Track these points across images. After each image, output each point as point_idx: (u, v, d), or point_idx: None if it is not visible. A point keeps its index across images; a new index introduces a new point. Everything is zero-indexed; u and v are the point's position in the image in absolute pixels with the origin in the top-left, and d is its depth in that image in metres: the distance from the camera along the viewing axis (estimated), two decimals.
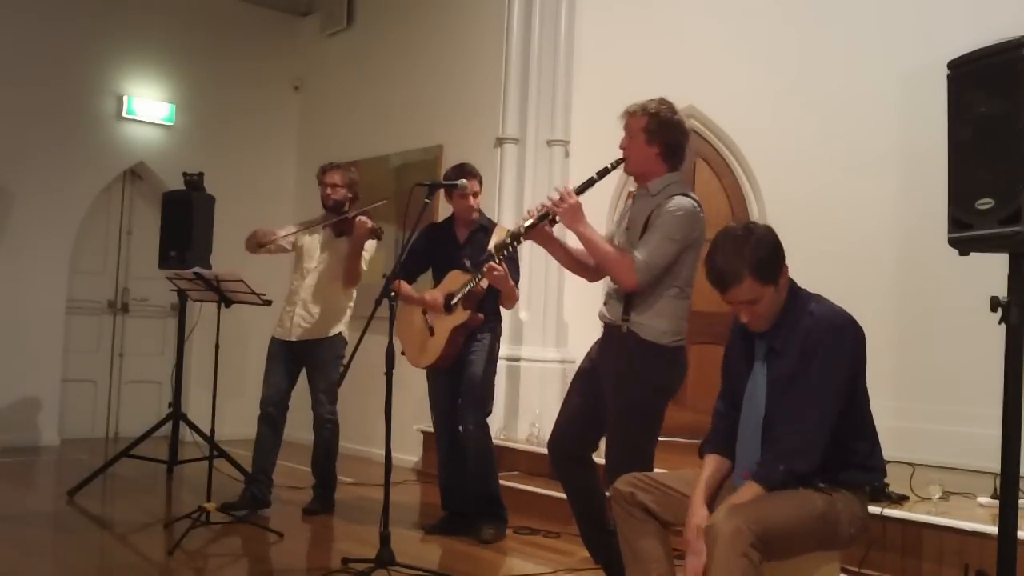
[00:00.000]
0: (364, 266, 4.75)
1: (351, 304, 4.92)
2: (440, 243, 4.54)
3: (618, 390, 3.18)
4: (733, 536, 2.24)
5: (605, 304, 3.32)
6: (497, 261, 3.80)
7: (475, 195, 4.44)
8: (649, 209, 3.15)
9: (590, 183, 3.25)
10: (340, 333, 4.87)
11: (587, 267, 3.41)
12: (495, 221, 4.68)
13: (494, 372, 4.50)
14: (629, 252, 3.12)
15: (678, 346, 3.20)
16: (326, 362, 4.80)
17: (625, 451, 3.14)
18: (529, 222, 3.17)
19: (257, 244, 4.81)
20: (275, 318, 4.93)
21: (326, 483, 4.90)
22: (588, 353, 3.44)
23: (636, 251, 3.08)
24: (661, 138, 3.17)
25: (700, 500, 2.51)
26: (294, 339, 4.78)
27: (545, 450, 5.44)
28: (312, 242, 4.87)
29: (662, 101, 3.22)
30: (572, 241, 3.34)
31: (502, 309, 4.53)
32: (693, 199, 3.18)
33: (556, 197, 3.15)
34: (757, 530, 2.25)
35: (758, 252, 2.44)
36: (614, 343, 3.23)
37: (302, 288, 4.81)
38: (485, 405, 4.43)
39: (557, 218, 3.17)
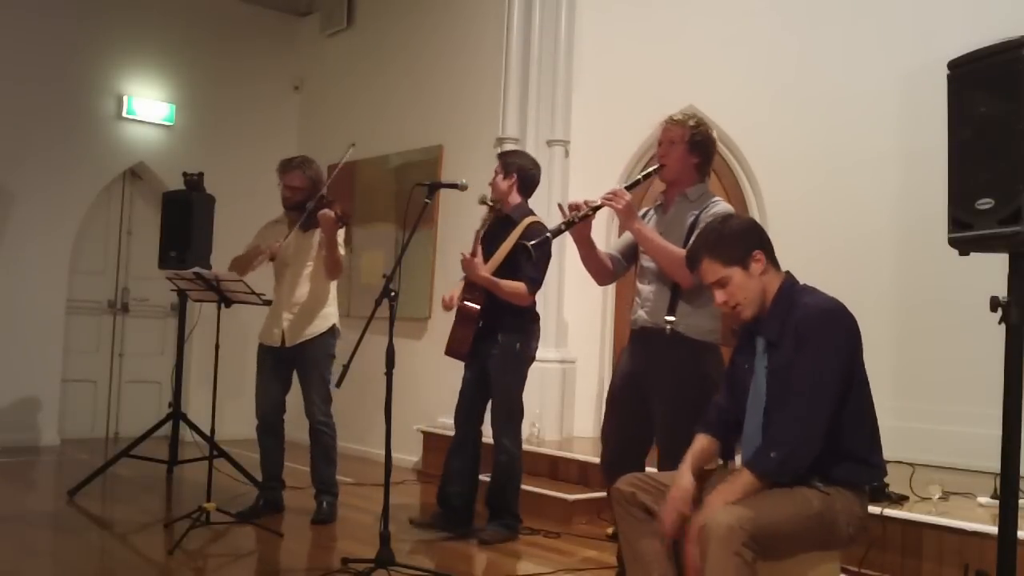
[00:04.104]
0: (342, 250, 4.57)
1: (334, 295, 4.77)
2: (493, 229, 4.48)
3: (678, 390, 3.24)
4: (726, 534, 2.24)
5: (642, 308, 3.40)
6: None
7: (493, 176, 4.42)
8: (691, 213, 3.33)
9: (637, 184, 3.45)
10: (332, 326, 4.73)
11: (606, 271, 3.54)
12: (535, 216, 4.45)
13: (521, 377, 4.39)
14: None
15: (719, 342, 3.37)
16: (317, 361, 4.66)
17: (682, 446, 3.16)
18: (583, 212, 3.26)
19: (250, 268, 4.68)
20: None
21: (330, 490, 4.76)
22: (620, 372, 3.50)
23: None
24: (701, 150, 3.40)
25: (687, 467, 2.57)
26: (284, 345, 4.66)
27: (545, 450, 5.51)
28: (284, 245, 4.69)
29: (699, 118, 3.46)
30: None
31: (538, 308, 4.45)
32: (730, 206, 3.38)
33: (607, 194, 3.29)
34: (751, 529, 2.25)
35: (719, 235, 2.62)
36: (662, 346, 3.29)
37: (283, 292, 4.68)
38: (514, 417, 4.36)
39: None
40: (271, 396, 4.72)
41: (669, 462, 3.17)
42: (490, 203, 4.35)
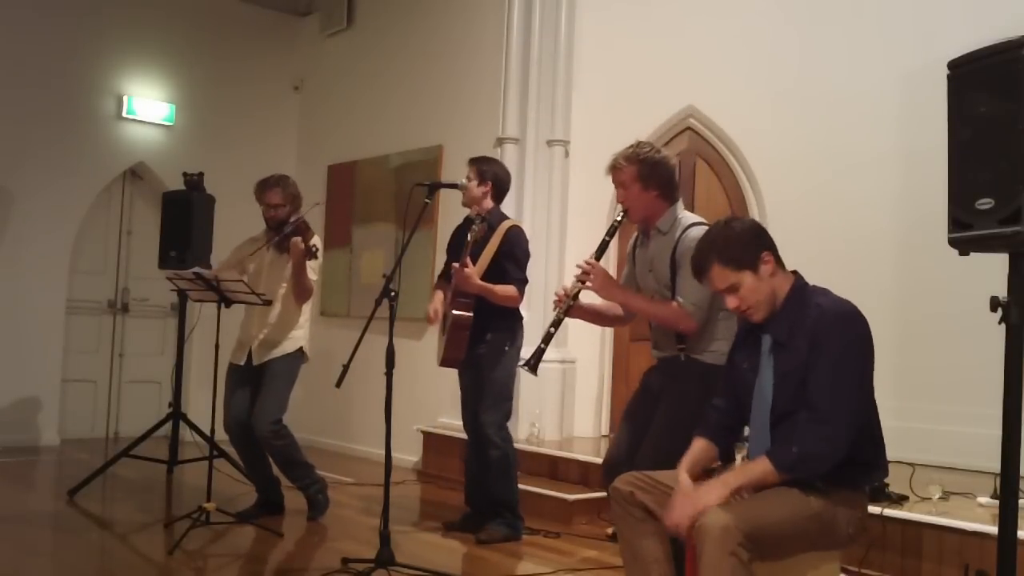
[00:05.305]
0: (314, 276, 4.60)
1: (305, 319, 4.75)
2: (460, 237, 4.52)
3: (681, 402, 3.19)
4: (722, 534, 2.24)
5: (655, 345, 3.38)
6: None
7: (466, 189, 4.41)
8: (669, 247, 3.25)
9: (604, 246, 3.36)
10: (300, 349, 4.71)
11: (620, 317, 3.52)
12: (511, 219, 4.53)
13: (510, 373, 4.42)
14: (672, 299, 3.20)
15: None
16: (276, 375, 4.61)
17: (666, 454, 3.04)
18: (566, 305, 3.25)
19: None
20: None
21: (309, 485, 4.72)
22: (641, 382, 3.46)
23: (680, 296, 3.16)
24: (655, 180, 3.28)
25: (683, 469, 2.58)
26: (251, 364, 4.63)
27: (545, 450, 5.51)
28: (258, 264, 4.72)
29: (640, 144, 3.35)
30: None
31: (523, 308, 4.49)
32: (705, 225, 3.24)
33: (579, 273, 3.25)
34: (746, 528, 2.25)
35: (725, 239, 2.56)
36: (677, 371, 3.26)
37: (255, 312, 4.65)
38: (499, 408, 4.39)
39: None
40: (237, 408, 4.63)
41: (644, 460, 3.12)
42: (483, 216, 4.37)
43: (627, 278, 3.49)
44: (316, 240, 4.53)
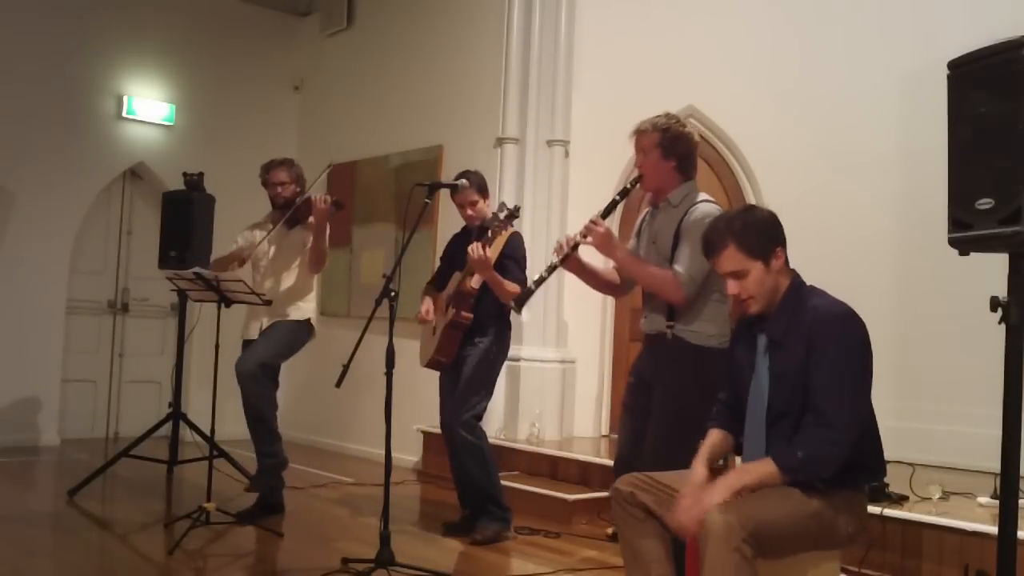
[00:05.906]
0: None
1: (314, 294, 4.80)
2: (459, 247, 4.54)
3: (672, 396, 3.18)
4: (726, 531, 2.24)
5: (645, 317, 3.37)
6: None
7: (472, 204, 4.43)
8: (675, 220, 3.24)
9: (613, 205, 3.34)
10: (308, 320, 4.74)
11: (616, 286, 3.52)
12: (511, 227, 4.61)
13: (490, 374, 4.46)
14: (668, 267, 3.18)
15: (724, 347, 3.21)
16: (278, 331, 4.62)
17: (667, 453, 3.06)
18: (563, 255, 3.24)
19: (239, 263, 4.75)
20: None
21: (268, 455, 4.60)
22: (632, 372, 3.45)
23: (676, 265, 3.14)
24: (675, 151, 3.27)
25: (700, 461, 2.58)
26: (258, 335, 4.68)
27: (545, 450, 5.51)
28: (267, 244, 4.77)
29: (669, 116, 3.34)
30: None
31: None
32: (716, 204, 3.25)
33: (583, 231, 3.24)
34: (749, 526, 2.25)
35: (745, 224, 2.54)
36: (664, 352, 3.25)
37: (267, 283, 4.72)
38: (471, 405, 4.40)
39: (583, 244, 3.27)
40: None
41: (651, 462, 3.10)
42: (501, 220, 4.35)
43: (631, 250, 3.47)
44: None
